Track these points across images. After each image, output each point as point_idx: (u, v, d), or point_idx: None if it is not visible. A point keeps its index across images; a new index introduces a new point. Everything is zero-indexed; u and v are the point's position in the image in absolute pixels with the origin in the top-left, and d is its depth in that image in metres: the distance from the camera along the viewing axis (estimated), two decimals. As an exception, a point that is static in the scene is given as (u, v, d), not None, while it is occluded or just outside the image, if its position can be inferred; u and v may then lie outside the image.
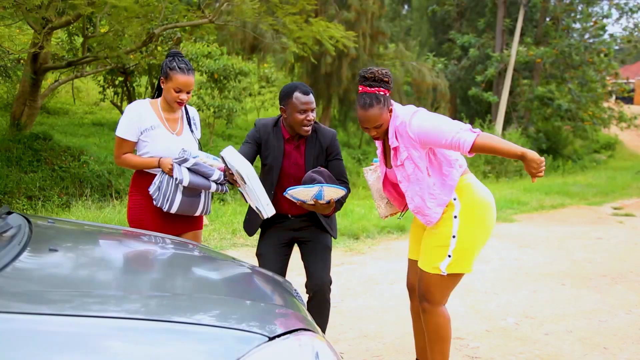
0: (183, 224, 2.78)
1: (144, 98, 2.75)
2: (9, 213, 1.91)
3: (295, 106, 2.56)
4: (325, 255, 2.76)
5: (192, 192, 2.66)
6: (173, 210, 2.62)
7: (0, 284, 1.30)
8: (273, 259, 2.72)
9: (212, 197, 2.85)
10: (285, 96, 2.61)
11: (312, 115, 2.60)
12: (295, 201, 2.48)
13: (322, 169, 2.57)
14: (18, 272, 1.40)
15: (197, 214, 2.73)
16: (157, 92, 2.76)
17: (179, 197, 2.62)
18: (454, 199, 2.40)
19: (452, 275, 2.42)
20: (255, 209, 2.46)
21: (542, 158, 2.21)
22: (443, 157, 2.41)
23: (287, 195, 2.44)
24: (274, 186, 2.69)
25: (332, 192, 2.43)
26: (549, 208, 9.27)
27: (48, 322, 1.17)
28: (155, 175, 2.69)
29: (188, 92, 2.66)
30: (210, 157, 2.70)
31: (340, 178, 2.73)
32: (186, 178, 2.57)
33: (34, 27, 6.16)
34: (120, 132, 2.64)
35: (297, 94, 2.58)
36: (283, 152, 2.68)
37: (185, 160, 2.59)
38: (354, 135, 15.17)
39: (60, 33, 8.39)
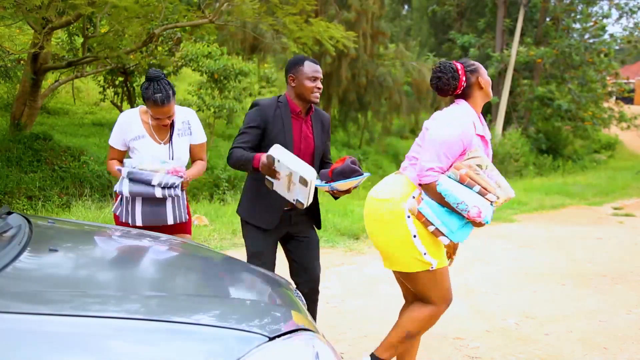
0: (169, 228, 2.73)
1: (129, 110, 2.72)
2: (9, 213, 1.91)
3: (306, 73, 2.58)
4: (318, 250, 2.81)
5: (152, 202, 2.62)
6: (138, 222, 2.61)
7: (0, 284, 1.30)
8: (269, 258, 2.69)
9: (184, 203, 2.75)
10: (294, 64, 2.62)
11: (320, 84, 2.62)
12: (333, 191, 2.48)
13: (354, 158, 2.55)
14: (18, 272, 1.40)
15: (170, 222, 2.66)
16: None
17: (138, 208, 2.61)
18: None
19: None
20: (293, 201, 2.40)
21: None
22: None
23: (327, 188, 2.43)
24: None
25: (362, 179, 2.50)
26: (549, 208, 9.27)
27: (48, 322, 1.17)
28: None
29: (169, 117, 2.64)
30: (158, 164, 2.62)
31: (327, 157, 2.84)
32: (125, 188, 2.56)
33: (34, 27, 6.16)
34: (110, 140, 2.77)
35: (307, 62, 2.61)
36: (293, 128, 2.64)
37: (121, 171, 2.60)
38: (354, 135, 15.18)
39: (61, 33, 8.40)
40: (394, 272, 2.58)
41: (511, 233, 6.93)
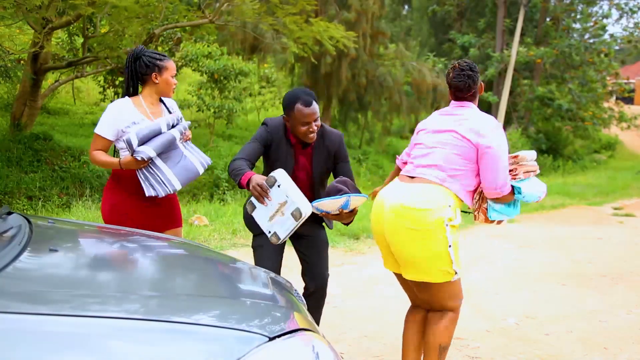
0: (163, 219, 2.74)
1: (119, 99, 2.69)
2: (9, 213, 1.91)
3: (298, 118, 2.52)
4: (325, 251, 2.80)
5: (174, 160, 2.60)
6: (178, 185, 2.58)
7: (0, 284, 1.30)
8: (271, 252, 2.68)
9: (197, 149, 2.78)
10: (287, 106, 2.57)
11: (315, 126, 2.55)
12: (319, 212, 2.44)
13: (345, 178, 2.56)
14: (18, 272, 1.40)
15: (202, 171, 2.69)
16: (133, 90, 2.68)
17: (168, 172, 2.57)
18: None
19: None
20: (268, 232, 2.36)
21: None
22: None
23: (312, 208, 2.37)
24: None
25: (357, 200, 2.43)
26: (549, 208, 9.26)
27: (48, 322, 1.17)
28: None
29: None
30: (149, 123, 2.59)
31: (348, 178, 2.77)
32: (150, 151, 2.49)
33: (34, 27, 6.16)
34: (99, 129, 2.59)
35: (298, 106, 2.51)
36: (292, 158, 2.64)
37: (130, 143, 2.50)
38: (354, 135, 15.17)
39: (61, 33, 8.40)
40: (405, 280, 2.54)
41: (511, 233, 6.93)
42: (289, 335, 1.35)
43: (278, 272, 2.72)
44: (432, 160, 2.42)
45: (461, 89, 2.47)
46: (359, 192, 2.49)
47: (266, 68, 12.63)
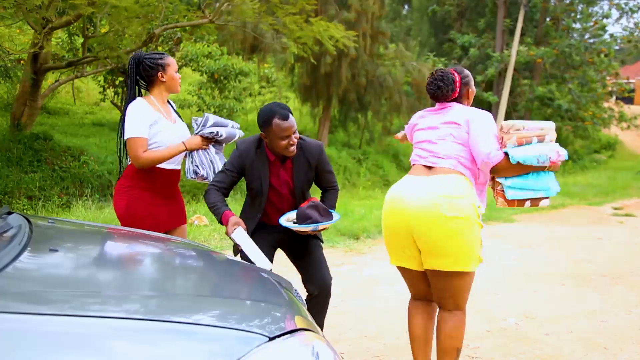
0: (173, 216, 2.85)
1: (138, 99, 2.76)
2: (9, 213, 1.91)
3: (277, 133, 2.52)
4: (320, 254, 2.80)
5: (221, 155, 2.87)
6: (217, 168, 2.82)
7: (0, 284, 1.30)
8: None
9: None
10: (264, 123, 2.55)
11: (294, 139, 2.56)
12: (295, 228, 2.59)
13: (316, 201, 2.62)
14: (18, 272, 1.40)
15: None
16: (139, 92, 2.79)
17: (218, 162, 2.82)
18: None
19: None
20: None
21: None
22: None
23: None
24: (262, 207, 2.70)
25: (327, 225, 2.59)
26: (549, 208, 9.26)
27: (48, 322, 1.17)
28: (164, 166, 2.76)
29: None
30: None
31: (331, 185, 2.85)
32: (223, 131, 2.78)
33: (34, 27, 6.16)
34: (134, 131, 2.61)
35: (276, 121, 2.50)
36: (269, 175, 2.66)
37: (205, 124, 2.79)
38: (354, 135, 15.18)
39: (61, 33, 8.40)
40: (414, 275, 2.54)
41: (511, 233, 6.93)
42: (288, 335, 1.35)
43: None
44: (443, 151, 2.46)
45: (437, 97, 2.58)
46: (330, 216, 2.60)
47: (266, 68, 12.63)
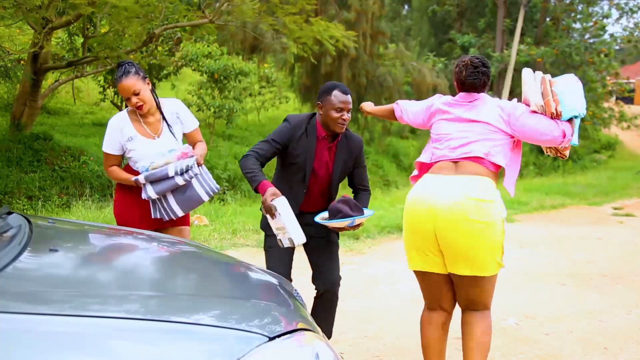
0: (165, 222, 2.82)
1: (117, 114, 2.79)
2: (9, 213, 1.91)
3: (333, 104, 2.59)
4: (335, 252, 2.80)
5: (181, 190, 2.69)
6: (181, 213, 2.72)
7: (0, 284, 1.30)
8: (282, 254, 2.70)
9: (208, 176, 2.83)
10: (324, 92, 2.64)
11: (347, 115, 2.61)
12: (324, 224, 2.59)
13: (347, 197, 2.62)
14: (18, 272, 1.40)
15: (205, 198, 2.77)
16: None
17: (172, 202, 2.69)
18: None
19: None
20: (279, 241, 2.55)
21: None
22: (427, 144, 2.58)
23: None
24: (306, 185, 2.68)
25: (362, 220, 2.59)
26: (549, 208, 9.27)
27: (48, 322, 1.17)
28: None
29: (136, 94, 2.66)
30: (167, 155, 2.69)
31: (362, 184, 2.84)
32: (152, 193, 2.63)
33: (34, 27, 6.15)
34: (104, 146, 2.76)
35: (336, 92, 2.61)
36: (315, 151, 2.67)
37: (138, 182, 2.65)
38: (354, 135, 15.16)
39: (61, 33, 8.39)
40: (434, 281, 2.42)
41: (511, 233, 6.91)
42: (288, 335, 1.35)
43: (288, 273, 2.73)
44: (474, 150, 2.37)
45: (476, 87, 2.44)
46: (361, 212, 2.58)
47: (266, 68, 12.62)
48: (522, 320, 3.69)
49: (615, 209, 9.55)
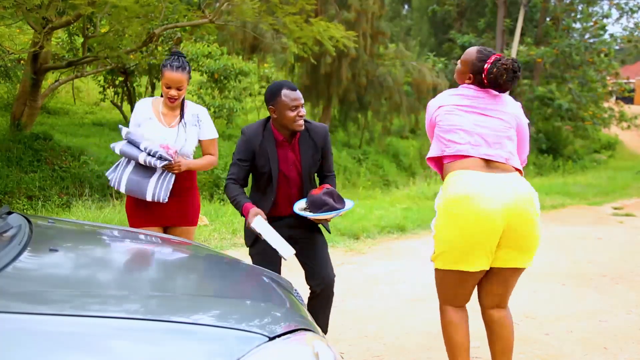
0: (180, 215, 2.92)
1: (144, 98, 2.90)
2: (9, 213, 1.91)
3: (286, 104, 2.54)
4: (325, 251, 2.79)
5: (140, 173, 2.75)
6: (122, 188, 2.77)
7: (0, 284, 1.30)
8: (269, 257, 2.67)
9: (168, 186, 2.78)
10: (273, 95, 2.58)
11: (303, 111, 2.58)
12: (309, 217, 2.60)
13: (330, 188, 2.62)
14: (18, 272, 1.40)
15: (148, 198, 2.74)
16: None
17: (126, 175, 2.76)
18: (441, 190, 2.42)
19: (438, 271, 2.41)
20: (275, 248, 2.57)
21: None
22: (436, 136, 2.49)
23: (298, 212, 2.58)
24: (274, 193, 2.68)
25: (347, 212, 2.62)
26: (549, 208, 9.26)
27: (48, 322, 1.17)
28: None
29: (178, 89, 2.78)
30: (163, 140, 2.79)
31: (329, 170, 2.85)
32: (117, 146, 2.77)
33: (34, 27, 6.16)
34: (130, 127, 2.90)
35: (285, 92, 2.55)
36: (278, 157, 2.65)
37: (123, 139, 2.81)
38: (354, 135, 15.17)
39: (61, 33, 8.39)
40: (475, 277, 2.37)
41: (511, 233, 6.91)
42: (288, 335, 1.35)
43: (277, 271, 2.72)
44: (509, 147, 2.40)
45: (503, 86, 2.40)
46: (343, 202, 2.61)
47: (266, 68, 12.63)
48: (522, 320, 3.69)
49: (615, 209, 9.55)
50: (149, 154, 2.70)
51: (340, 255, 5.45)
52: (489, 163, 2.34)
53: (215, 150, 3.00)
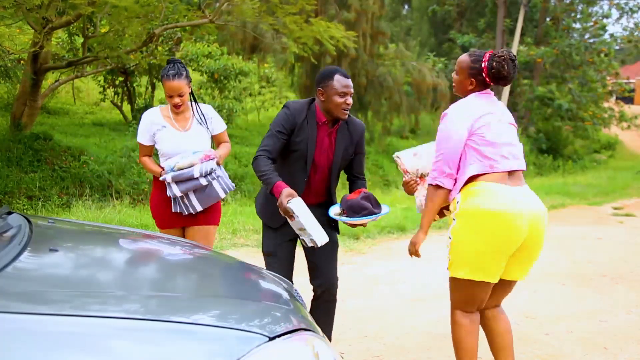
0: (200, 215, 2.99)
1: (144, 98, 2.92)
2: (9, 213, 1.91)
3: (336, 88, 2.52)
4: (334, 253, 2.76)
5: (202, 188, 2.89)
6: (198, 208, 2.90)
7: (0, 284, 1.30)
8: (284, 256, 2.68)
9: (226, 175, 3.02)
10: (325, 78, 2.55)
11: (350, 100, 2.56)
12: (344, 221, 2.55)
13: (367, 192, 2.58)
14: (18, 272, 1.40)
15: (222, 195, 2.96)
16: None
17: (193, 198, 2.89)
18: (457, 201, 2.31)
19: (457, 280, 2.35)
20: (302, 241, 2.52)
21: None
22: (470, 150, 2.33)
23: (335, 218, 2.55)
24: (308, 172, 2.61)
25: (383, 216, 2.58)
26: (550, 208, 9.23)
27: (48, 322, 1.17)
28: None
29: (180, 95, 2.86)
30: (191, 157, 2.88)
31: (360, 172, 2.81)
32: (177, 191, 2.85)
33: (34, 27, 6.16)
34: (138, 137, 3.00)
35: (338, 76, 2.54)
36: (316, 138, 2.59)
37: (166, 181, 2.88)
38: (354, 135, 15.15)
39: (61, 33, 8.40)
40: (491, 286, 2.38)
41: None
42: (288, 335, 1.35)
43: (290, 278, 2.70)
44: (520, 155, 2.41)
45: (505, 79, 2.37)
46: (380, 206, 2.56)
47: (266, 68, 12.63)
48: (522, 320, 3.69)
49: (615, 208, 9.55)
50: (205, 175, 2.86)
51: (340, 255, 5.40)
52: (511, 174, 2.33)
53: (227, 137, 3.21)
